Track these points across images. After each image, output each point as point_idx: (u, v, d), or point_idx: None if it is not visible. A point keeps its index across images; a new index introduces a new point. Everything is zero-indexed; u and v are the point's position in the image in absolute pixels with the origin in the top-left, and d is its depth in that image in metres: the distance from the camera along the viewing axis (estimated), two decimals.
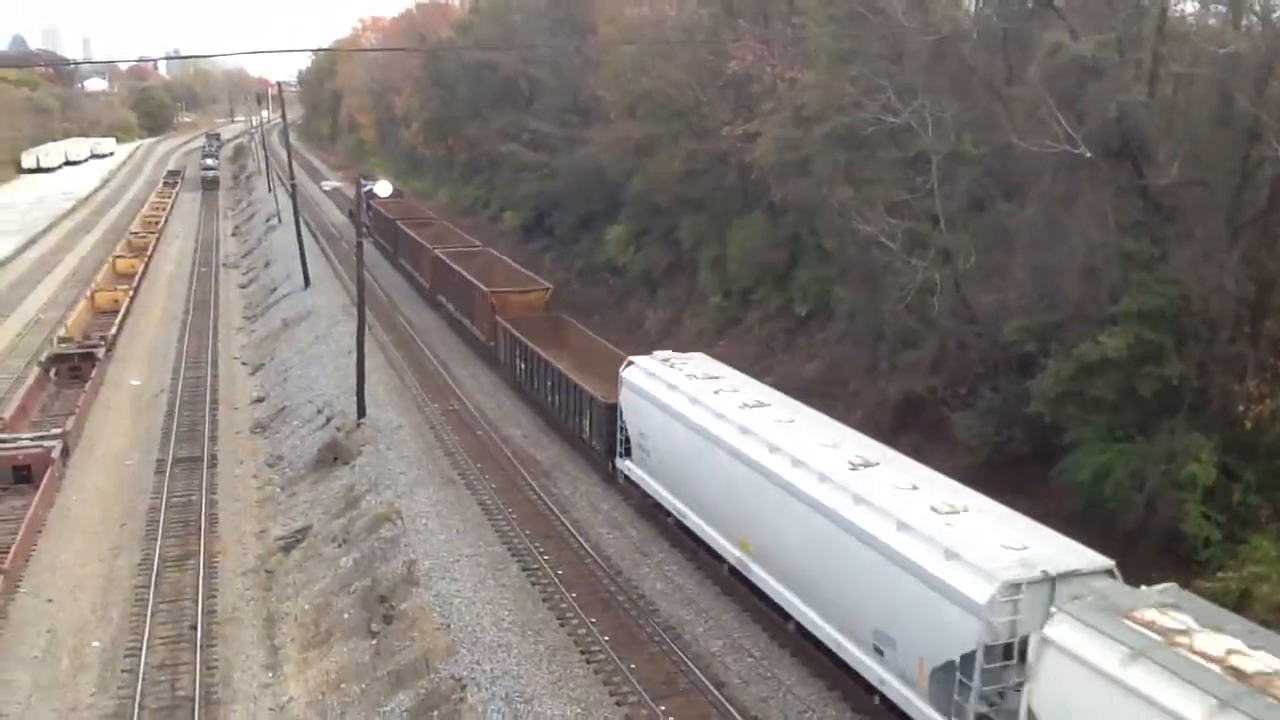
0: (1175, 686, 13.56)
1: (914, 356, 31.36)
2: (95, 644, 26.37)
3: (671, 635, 24.02)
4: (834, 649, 20.94)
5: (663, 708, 21.26)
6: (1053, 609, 15.87)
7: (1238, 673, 13.46)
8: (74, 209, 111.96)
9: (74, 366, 48.17)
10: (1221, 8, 27.29)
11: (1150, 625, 14.82)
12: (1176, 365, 23.68)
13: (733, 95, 43.24)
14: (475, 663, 22.76)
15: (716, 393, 26.68)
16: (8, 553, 29.00)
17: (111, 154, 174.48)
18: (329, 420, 39.22)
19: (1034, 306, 26.78)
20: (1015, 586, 16.83)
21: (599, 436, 32.46)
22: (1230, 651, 14.01)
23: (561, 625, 24.60)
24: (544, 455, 35.65)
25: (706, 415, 25.75)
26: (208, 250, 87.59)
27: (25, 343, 55.62)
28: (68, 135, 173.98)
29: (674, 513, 27.62)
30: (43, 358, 49.10)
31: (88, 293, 64.14)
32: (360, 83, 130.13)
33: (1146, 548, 23.34)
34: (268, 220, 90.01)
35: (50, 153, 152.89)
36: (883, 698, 19.67)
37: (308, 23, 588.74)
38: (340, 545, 30.01)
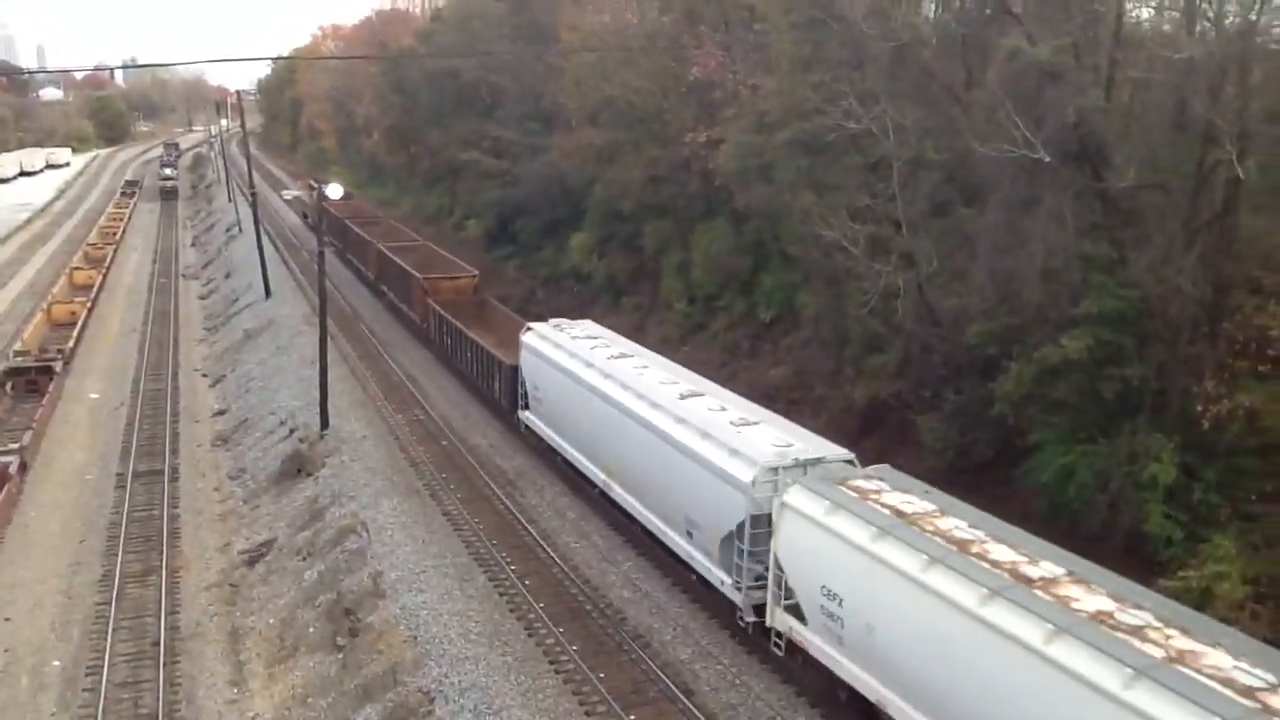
0: (855, 524, 19.19)
1: (879, 361, 31.54)
2: (55, 663, 25.94)
3: (640, 644, 23.94)
4: (663, 539, 26.23)
5: (632, 717, 21.18)
6: (789, 482, 21.32)
7: (899, 513, 19.38)
8: (29, 220, 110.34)
9: (31, 380, 47.44)
10: (1176, 14, 27.70)
11: (855, 489, 20.60)
12: (1137, 366, 23.99)
13: (695, 102, 43.36)
14: (443, 675, 22.58)
15: (593, 349, 31.49)
16: None
17: (68, 164, 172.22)
18: (292, 432, 38.84)
19: (996, 310, 27.05)
20: (773, 470, 22.11)
21: (505, 394, 37.34)
22: (903, 501, 19.99)
23: (530, 635, 24.47)
24: (510, 465, 35.47)
25: (581, 365, 30.70)
26: (167, 261, 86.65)
27: None
28: (22, 145, 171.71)
29: (560, 451, 32.38)
30: None
31: (44, 305, 63.21)
32: (321, 90, 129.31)
33: (1111, 548, 23.56)
34: (228, 230, 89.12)
35: (4, 164, 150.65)
36: (696, 574, 24.79)
37: (267, 31, 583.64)
38: (305, 558, 29.71)
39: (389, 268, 56.01)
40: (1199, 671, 14.06)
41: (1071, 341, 24.00)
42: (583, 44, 50.96)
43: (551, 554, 28.55)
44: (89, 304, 64.17)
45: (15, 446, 37.73)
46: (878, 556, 18.30)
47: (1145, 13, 29.47)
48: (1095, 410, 24.60)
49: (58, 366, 48.70)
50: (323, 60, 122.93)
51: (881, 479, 21.18)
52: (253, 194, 70.91)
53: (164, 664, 25.40)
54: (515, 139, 61.60)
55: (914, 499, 20.10)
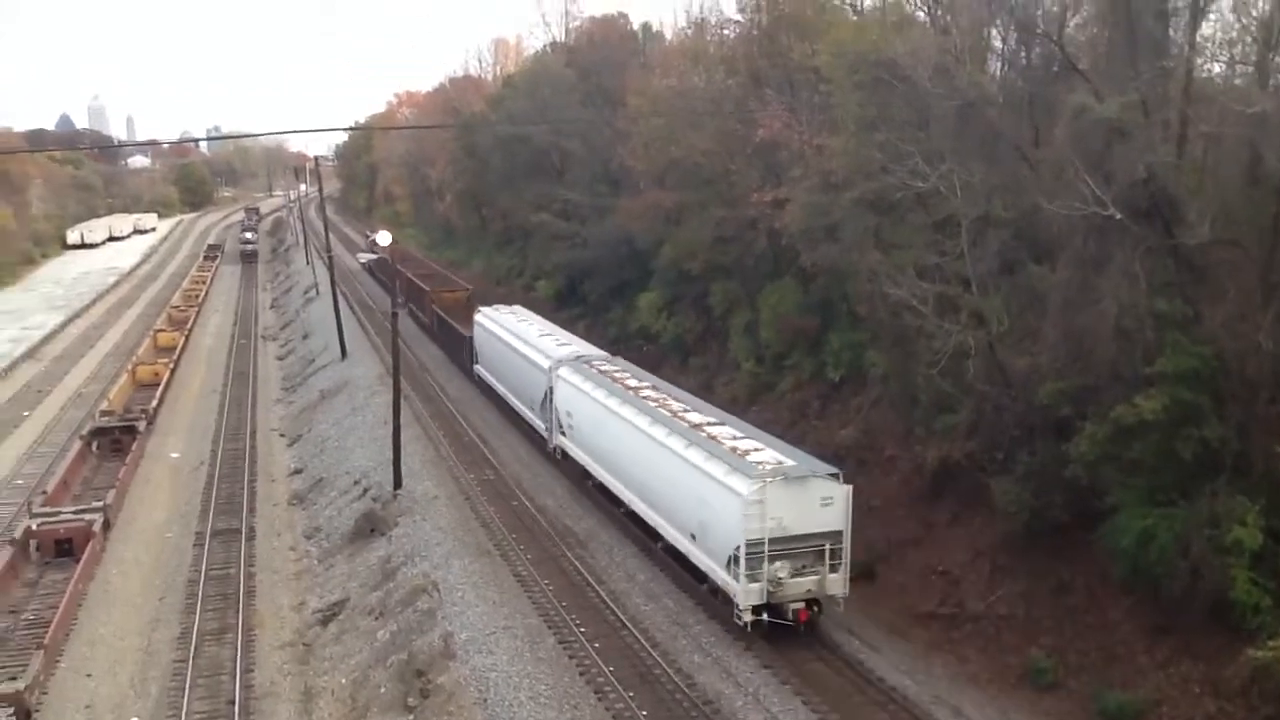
0: (584, 382, 37.59)
1: (949, 421, 31.11)
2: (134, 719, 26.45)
3: (710, 709, 23.75)
4: (521, 413, 46.27)
5: None
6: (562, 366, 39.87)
7: (613, 379, 36.27)
8: (117, 284, 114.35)
9: (115, 440, 48.83)
10: (1248, 68, 27.34)
11: (598, 370, 38.56)
12: (1216, 427, 23.35)
13: (761, 162, 43.65)
14: None
15: (509, 321, 50.36)
16: (48, 627, 29.25)
17: (153, 229, 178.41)
18: (366, 491, 39.45)
19: (1068, 369, 26.57)
20: (558, 361, 40.85)
21: (467, 357, 55.95)
22: (625, 377, 36.88)
23: (599, 699, 24.41)
24: (580, 525, 35.59)
25: (507, 334, 48.50)
26: (247, 322, 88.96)
27: (68, 416, 56.56)
28: (111, 211, 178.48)
29: (496, 390, 50.37)
30: (84, 431, 49.81)
31: (129, 366, 65.20)
32: (395, 156, 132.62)
33: (1195, 615, 22.91)
34: (305, 292, 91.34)
35: (94, 229, 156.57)
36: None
37: (345, 98, 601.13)
38: (377, 618, 30.02)
39: (411, 289, 72.98)
40: (736, 452, 28.16)
41: (1147, 401, 23.46)
42: (650, 108, 51.68)
43: (621, 617, 28.51)
44: (172, 365, 66.02)
45: (99, 505, 38.78)
46: (587, 394, 37.09)
47: (1216, 68, 29.13)
48: (1174, 471, 23.96)
49: (141, 426, 50.07)
50: (397, 130, 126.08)
51: (622, 369, 39.22)
52: (329, 257, 72.68)
53: None
54: (584, 201, 62.55)
55: (635, 379, 37.17)
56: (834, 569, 26.78)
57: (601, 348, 59.67)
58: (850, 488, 27.03)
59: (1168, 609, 23.75)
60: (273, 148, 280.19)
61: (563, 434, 39.63)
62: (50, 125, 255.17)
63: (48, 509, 38.14)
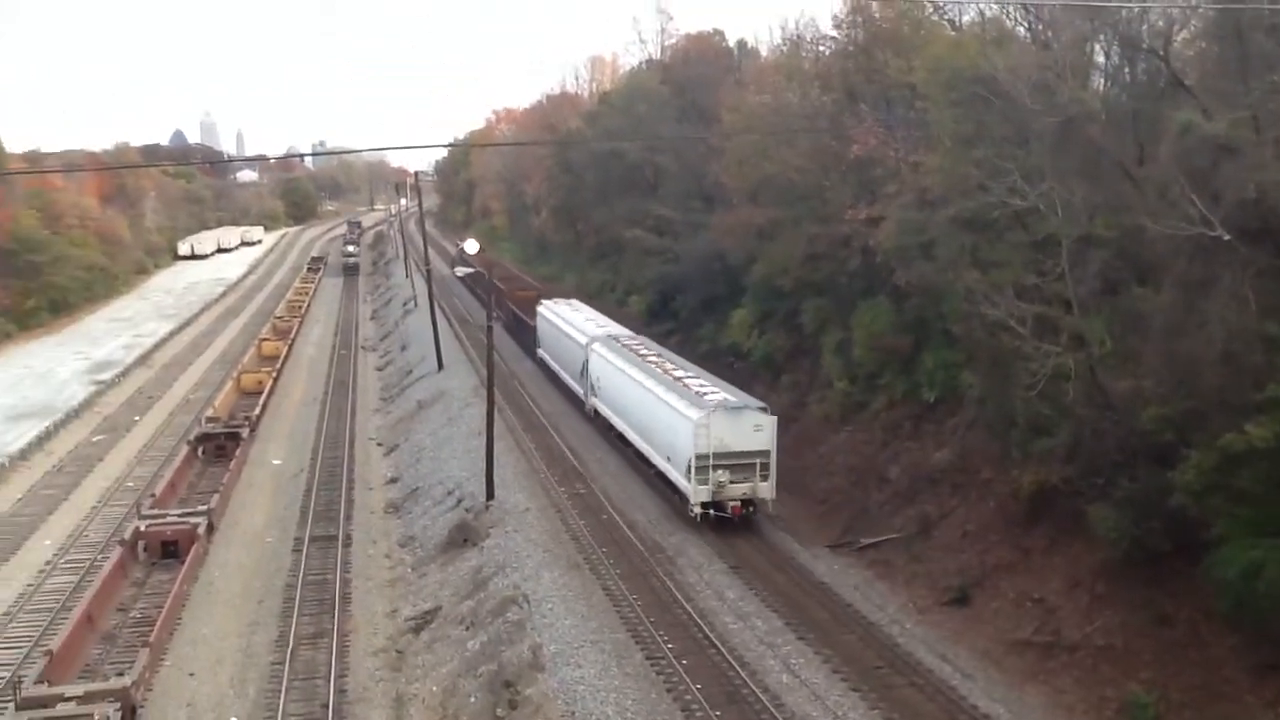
0: (610, 354, 48.26)
1: (1047, 445, 30.41)
2: (233, 719, 27.24)
3: None
4: (567, 382, 55.82)
5: None
6: (596, 343, 50.19)
7: (631, 349, 47.80)
8: (224, 294, 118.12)
9: (220, 445, 50.43)
10: None
11: (624, 343, 49.21)
12: None
13: (855, 179, 43.38)
14: None
15: (572, 312, 60.63)
16: (153, 626, 30.31)
17: (260, 241, 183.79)
18: (459, 502, 40.07)
19: (1173, 393, 25.80)
20: (593, 338, 51.14)
21: (532, 342, 66.47)
22: (641, 348, 48.47)
23: (686, 718, 24.40)
24: (669, 541, 35.68)
25: (560, 320, 58.81)
26: (347, 333, 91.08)
27: (176, 422, 58.59)
28: (220, 224, 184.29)
29: (551, 368, 60.63)
30: (191, 437, 51.56)
31: (234, 374, 67.30)
32: (493, 172, 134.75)
33: None
34: (404, 304, 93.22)
35: (203, 241, 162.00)
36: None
37: (446, 113, 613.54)
38: (468, 627, 30.42)
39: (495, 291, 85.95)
40: (695, 392, 38.75)
41: (1256, 428, 22.68)
42: (744, 124, 51.74)
43: (709, 634, 28.48)
44: (275, 374, 67.92)
45: (203, 509, 40.08)
46: (609, 361, 46.83)
47: None
48: None
49: (244, 433, 51.61)
50: (495, 146, 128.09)
51: (641, 343, 49.28)
52: (428, 270, 74.14)
53: None
54: (677, 217, 62.81)
55: (647, 349, 47.47)
56: (764, 479, 36.60)
57: (693, 362, 62.28)
58: (775, 418, 37.27)
59: (1276, 645, 22.88)
60: (375, 163, 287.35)
61: (594, 396, 50.23)
62: (164, 140, 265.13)
63: (155, 511, 39.55)
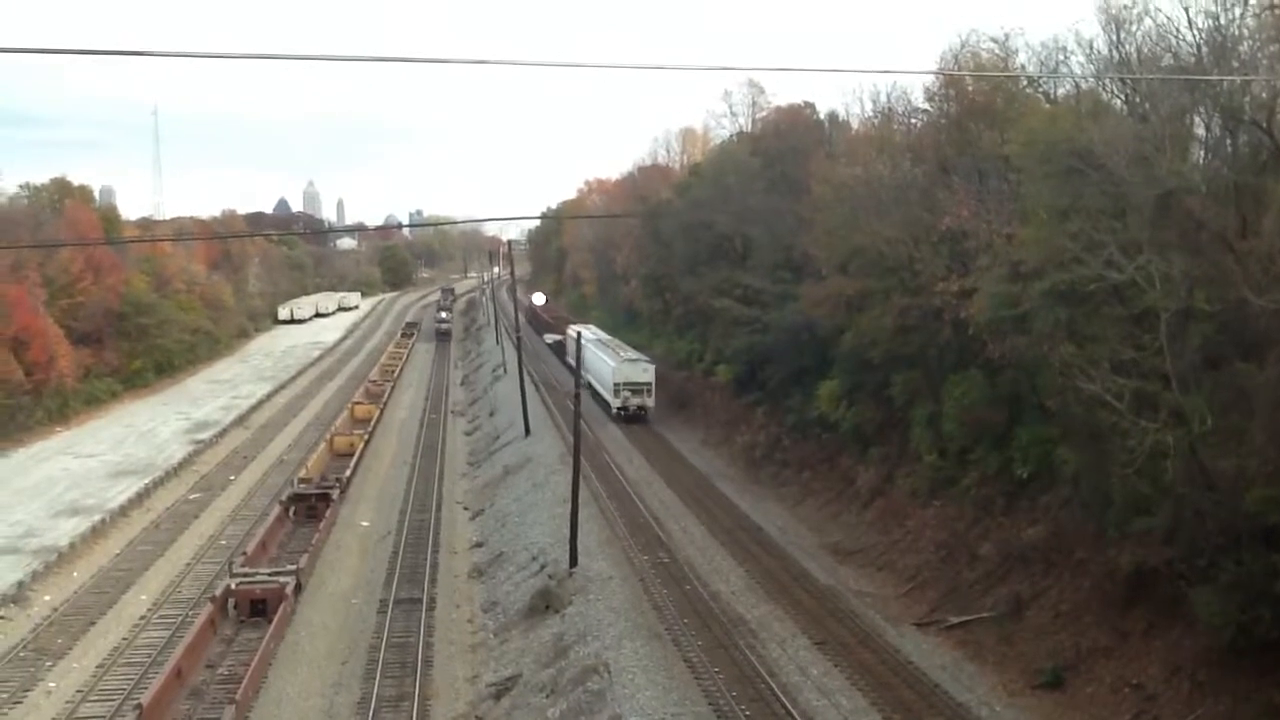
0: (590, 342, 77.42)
1: (1146, 524, 29.35)
2: None
3: None
4: (596, 387, 78.17)
5: None
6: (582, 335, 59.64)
7: (604, 341, 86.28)
8: (320, 358, 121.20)
9: (311, 506, 51.43)
10: None
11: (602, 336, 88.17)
12: None
13: (947, 251, 42.94)
14: None
15: (589, 333, 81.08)
16: (240, 684, 30.75)
17: (356, 307, 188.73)
18: (542, 568, 40.12)
19: (1279, 474, 24.83)
20: (578, 333, 57.44)
21: (569, 356, 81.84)
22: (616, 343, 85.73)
23: None
24: (752, 614, 35.16)
25: (599, 348, 79.63)
26: (438, 398, 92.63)
27: (270, 482, 59.96)
28: (319, 290, 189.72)
29: (592, 385, 75.77)
30: (283, 497, 52.65)
31: (327, 436, 68.80)
32: (584, 241, 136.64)
33: None
34: (494, 370, 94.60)
35: (302, 306, 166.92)
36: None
37: (539, 182, 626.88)
38: (548, 695, 30.27)
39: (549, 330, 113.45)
40: (621, 357, 75.26)
41: None
42: (834, 195, 51.73)
43: (791, 710, 27.87)
44: (366, 437, 69.30)
45: (292, 568, 40.78)
46: (590, 349, 74.67)
47: None
48: None
49: (335, 495, 52.57)
50: (586, 218, 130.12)
51: (613, 339, 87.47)
52: (518, 337, 75.23)
53: None
54: (765, 287, 62.77)
55: (620, 345, 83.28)
56: (649, 396, 71.00)
57: (778, 435, 61.79)
58: (655, 365, 72.97)
59: None
60: (469, 231, 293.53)
61: (616, 398, 72.72)
62: (269, 208, 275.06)
63: (246, 570, 40.35)
